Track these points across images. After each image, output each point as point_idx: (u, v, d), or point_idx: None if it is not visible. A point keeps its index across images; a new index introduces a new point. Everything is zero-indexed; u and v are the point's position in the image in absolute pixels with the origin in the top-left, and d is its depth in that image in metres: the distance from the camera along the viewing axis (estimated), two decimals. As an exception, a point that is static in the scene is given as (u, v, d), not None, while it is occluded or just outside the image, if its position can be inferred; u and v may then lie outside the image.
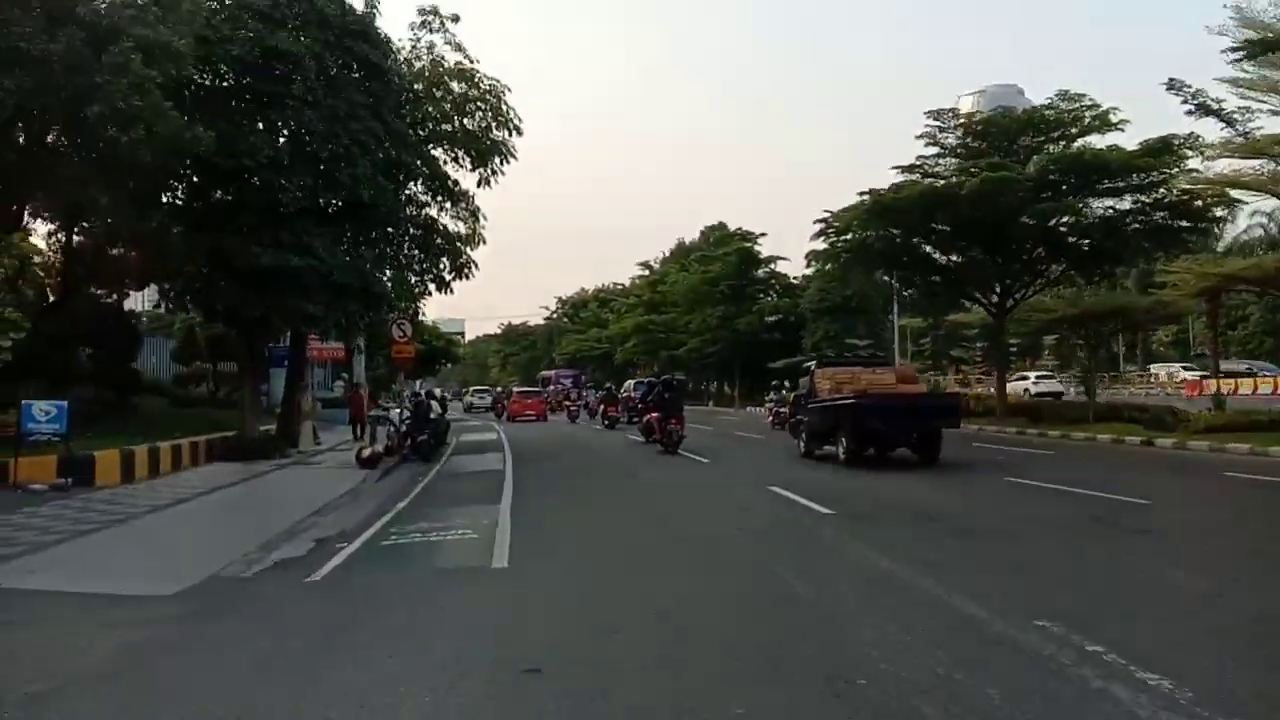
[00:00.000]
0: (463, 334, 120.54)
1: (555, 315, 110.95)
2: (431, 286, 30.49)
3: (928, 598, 6.60)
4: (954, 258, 30.21)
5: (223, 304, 21.43)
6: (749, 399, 58.00)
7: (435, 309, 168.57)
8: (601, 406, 38.45)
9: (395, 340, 29.71)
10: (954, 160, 28.45)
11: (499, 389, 65.26)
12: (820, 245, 31.04)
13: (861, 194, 27.87)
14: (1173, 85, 22.45)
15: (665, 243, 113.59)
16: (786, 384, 32.42)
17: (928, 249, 29.98)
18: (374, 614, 6.72)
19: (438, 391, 27.71)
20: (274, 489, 16.74)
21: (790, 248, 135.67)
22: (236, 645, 6.06)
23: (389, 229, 24.89)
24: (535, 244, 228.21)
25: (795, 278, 59.79)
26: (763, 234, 60.16)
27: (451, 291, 30.52)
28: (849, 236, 30.37)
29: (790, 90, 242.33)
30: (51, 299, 27.62)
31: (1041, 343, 66.11)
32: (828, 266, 31.59)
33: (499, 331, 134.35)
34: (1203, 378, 38.02)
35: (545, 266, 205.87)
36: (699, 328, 58.40)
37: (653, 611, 6.43)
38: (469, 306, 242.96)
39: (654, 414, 23.55)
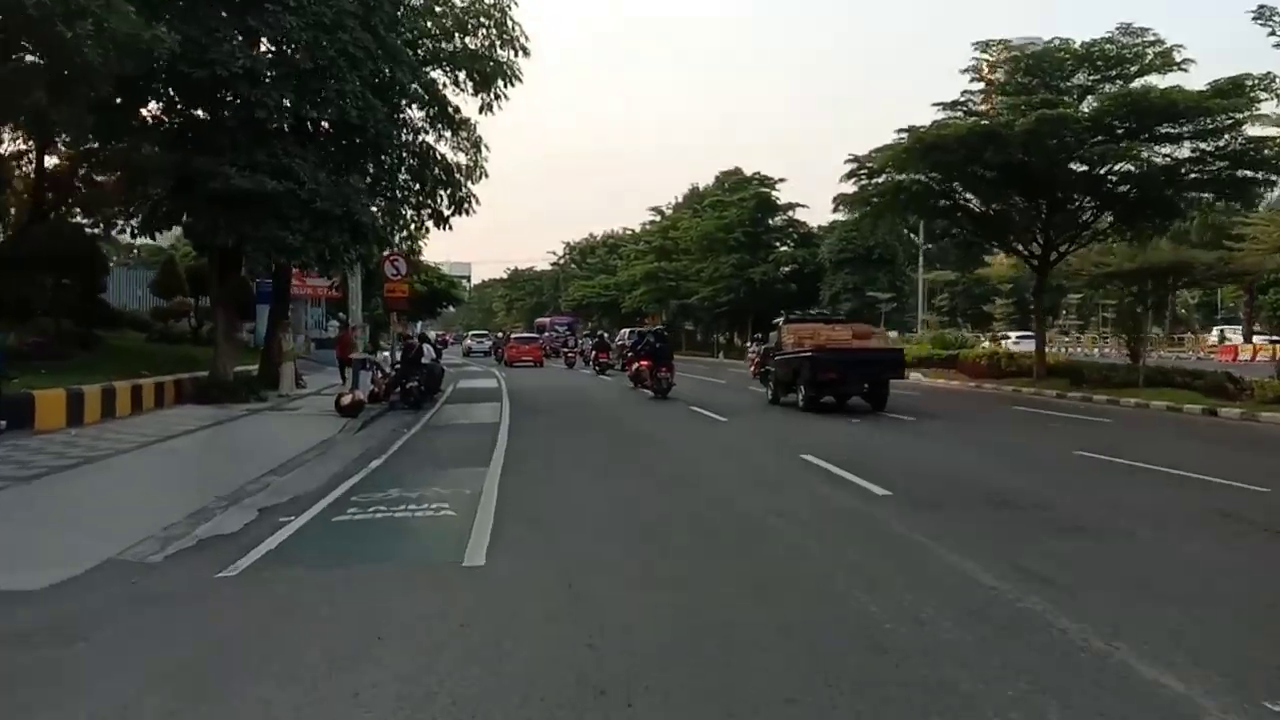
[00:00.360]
0: (468, 277, 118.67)
1: (562, 261, 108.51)
2: (430, 222, 28.39)
3: (1081, 646, 4.61)
4: (995, 205, 27.81)
5: (191, 230, 19.39)
6: (761, 352, 56.05)
7: (441, 251, 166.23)
8: (593, 353, 39.78)
9: (388, 278, 27.70)
10: (1001, 98, 25.95)
11: (499, 334, 65.58)
12: (850, 188, 28.66)
13: (900, 131, 25.47)
14: (1261, 14, 19.97)
15: (678, 188, 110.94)
16: (758, 336, 33.84)
17: (968, 195, 27.56)
18: (284, 644, 4.75)
19: (432, 334, 25.67)
20: (237, 438, 14.81)
21: (807, 197, 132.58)
22: (71, 695, 4.10)
23: (380, 155, 22.71)
24: (544, 188, 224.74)
25: (815, 227, 57.33)
26: (781, 179, 57.32)
27: (450, 228, 28.35)
28: (881, 180, 28.04)
29: (809, 39, 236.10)
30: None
31: (1062, 302, 63.84)
32: (858, 213, 29.21)
33: (505, 276, 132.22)
34: (1273, 342, 35.67)
35: (554, 211, 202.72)
36: (711, 276, 55.99)
37: (676, 660, 4.45)
38: (476, 250, 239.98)
39: (644, 362, 24.99)
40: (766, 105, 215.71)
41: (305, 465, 11.93)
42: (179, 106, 19.57)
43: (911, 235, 50.93)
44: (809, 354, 19.53)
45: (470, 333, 78.74)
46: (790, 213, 57.46)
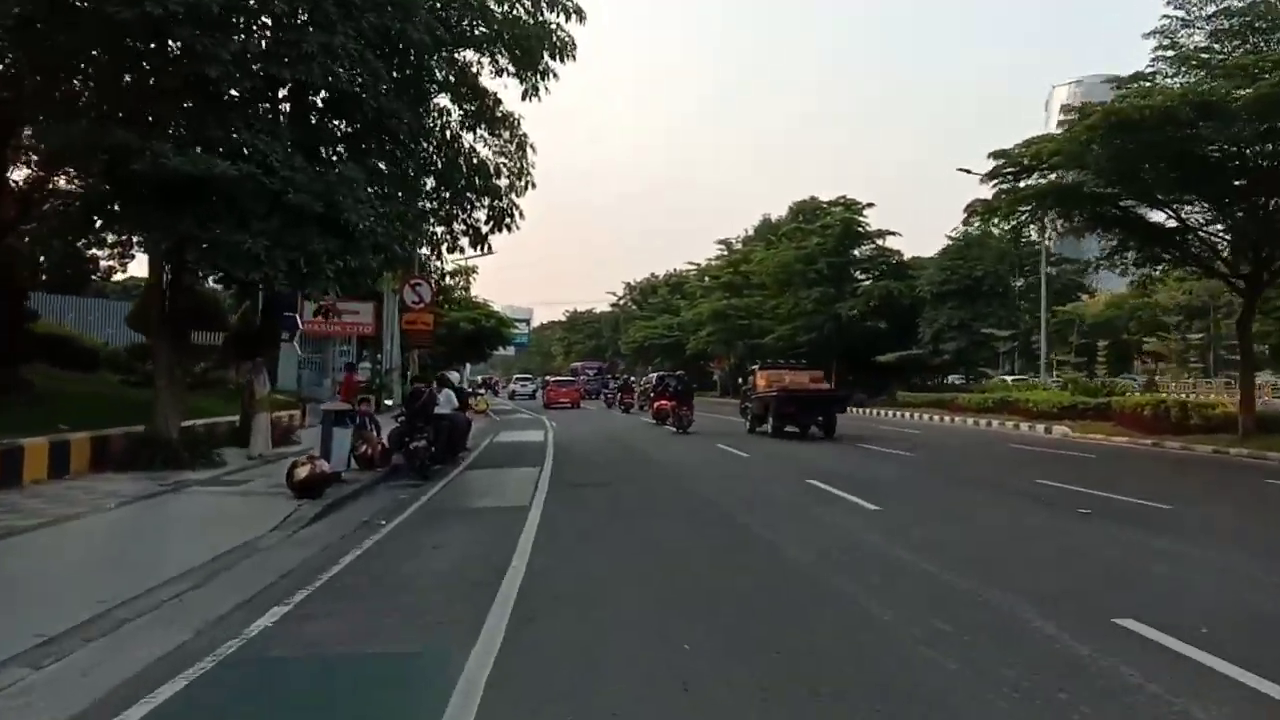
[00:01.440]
0: (529, 321, 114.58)
1: (622, 301, 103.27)
2: (465, 240, 22.93)
3: None
4: (1191, 211, 21.32)
5: (114, 230, 14.19)
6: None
7: (504, 296, 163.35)
8: (618, 394, 45.16)
9: (409, 306, 22.38)
10: (1200, 71, 19.58)
11: (543, 379, 68.69)
12: (988, 192, 22.54)
13: (1068, 111, 19.30)
14: None
15: (748, 220, 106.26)
16: (740, 380, 38.17)
17: (1158, 199, 21.06)
18: None
19: (454, 376, 20.11)
20: (94, 544, 9.13)
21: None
22: None
23: (388, 142, 17.36)
24: (608, 227, 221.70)
25: (909, 257, 50.73)
26: (869, 204, 50.72)
27: (490, 249, 22.92)
28: (1027, 182, 21.94)
29: (879, 78, 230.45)
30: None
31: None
32: (1007, 222, 22.89)
33: (564, 319, 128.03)
34: None
35: (616, 250, 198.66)
36: (790, 313, 49.67)
37: None
38: (537, 293, 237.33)
39: (666, 402, 28.05)
40: (841, 140, 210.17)
41: (133, 624, 6.18)
42: (106, 62, 14.44)
43: (1010, 274, 44.18)
44: (775, 394, 24.43)
45: (515, 376, 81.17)
46: (880, 240, 50.95)
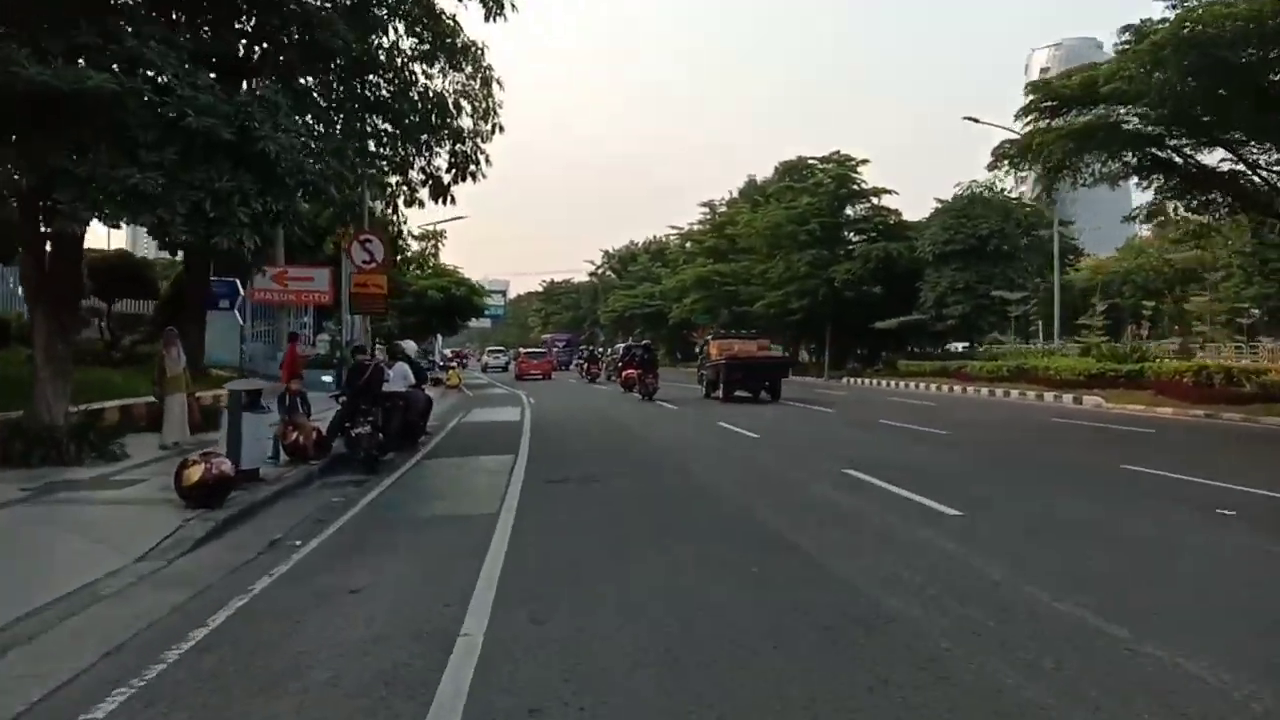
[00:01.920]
0: (505, 292, 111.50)
1: (601, 271, 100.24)
2: (425, 192, 19.90)
3: None
4: (1253, 150, 18.70)
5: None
6: (839, 367, 46.81)
7: (479, 269, 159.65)
8: (585, 365, 46.94)
9: (358, 267, 19.45)
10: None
11: (515, 351, 68.78)
12: (1017, 131, 19.78)
13: (1126, 31, 16.54)
14: None
15: (733, 183, 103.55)
16: (696, 350, 38.77)
17: (1225, 137, 18.37)
18: None
19: (409, 346, 17.23)
20: None
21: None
22: None
23: (317, 61, 14.36)
24: (585, 193, 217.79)
25: (908, 219, 47.93)
26: (864, 160, 47.82)
27: (452, 200, 19.79)
28: (1060, 118, 19.23)
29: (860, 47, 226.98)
30: None
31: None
32: (1041, 165, 20.04)
33: (541, 289, 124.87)
34: None
35: (594, 220, 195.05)
36: (781, 278, 46.87)
37: None
38: (516, 265, 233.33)
39: (633, 370, 29.75)
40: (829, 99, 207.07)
41: None
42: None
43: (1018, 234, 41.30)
44: (724, 362, 26.49)
45: (488, 349, 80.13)
46: (875, 199, 48.11)
